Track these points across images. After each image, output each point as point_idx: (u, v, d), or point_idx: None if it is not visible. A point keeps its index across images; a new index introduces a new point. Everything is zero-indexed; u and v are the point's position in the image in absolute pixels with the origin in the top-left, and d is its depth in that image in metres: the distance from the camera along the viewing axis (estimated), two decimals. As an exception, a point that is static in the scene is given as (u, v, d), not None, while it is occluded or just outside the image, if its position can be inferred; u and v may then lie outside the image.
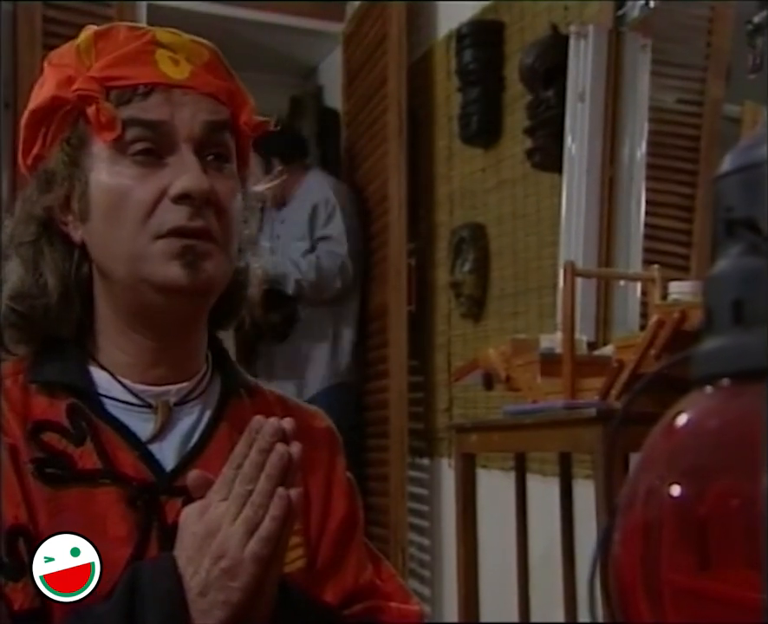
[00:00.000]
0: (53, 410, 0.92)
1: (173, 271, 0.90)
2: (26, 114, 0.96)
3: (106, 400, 0.94)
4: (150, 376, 0.96)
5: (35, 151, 0.96)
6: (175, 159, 0.92)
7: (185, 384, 0.97)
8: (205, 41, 0.98)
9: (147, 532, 0.89)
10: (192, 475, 0.85)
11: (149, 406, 0.95)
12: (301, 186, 3.59)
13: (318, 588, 0.97)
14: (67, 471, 0.89)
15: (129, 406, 0.95)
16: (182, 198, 0.90)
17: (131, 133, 0.91)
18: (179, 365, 0.98)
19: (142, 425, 0.94)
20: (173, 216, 0.90)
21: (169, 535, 0.86)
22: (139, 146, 0.91)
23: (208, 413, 0.98)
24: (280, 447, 0.81)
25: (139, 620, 0.79)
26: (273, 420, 0.83)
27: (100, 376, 0.96)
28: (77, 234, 0.95)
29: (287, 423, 0.83)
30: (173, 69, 0.93)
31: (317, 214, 3.50)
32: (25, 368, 0.95)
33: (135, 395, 0.95)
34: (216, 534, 0.80)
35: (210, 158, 0.94)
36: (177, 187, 0.90)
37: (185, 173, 0.91)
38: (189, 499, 0.85)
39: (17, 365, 0.96)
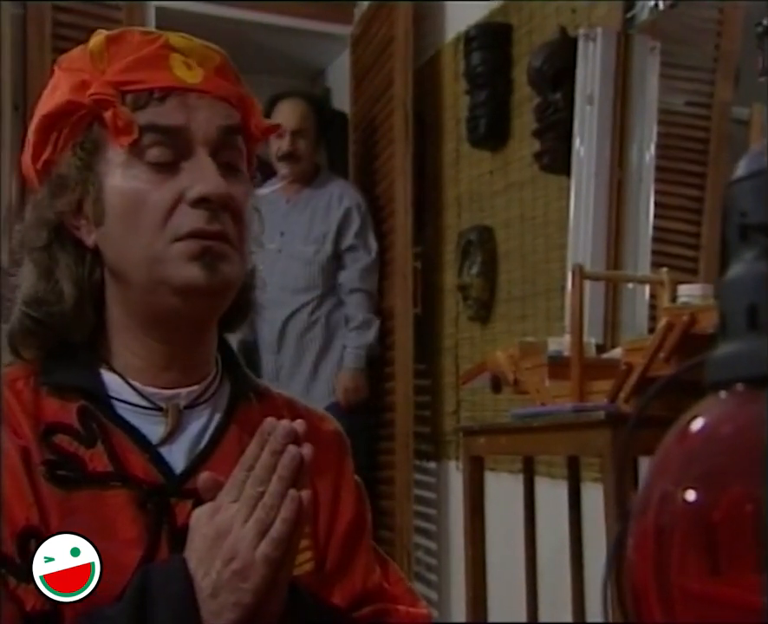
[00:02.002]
0: (64, 412, 0.93)
1: (193, 272, 0.90)
2: (37, 119, 0.96)
3: (116, 403, 0.95)
4: (161, 379, 0.96)
5: (45, 155, 0.95)
6: (191, 163, 0.92)
7: (194, 387, 0.98)
8: (215, 46, 0.99)
9: (158, 534, 0.89)
10: (203, 477, 0.85)
11: (159, 409, 0.95)
12: (310, 184, 3.51)
13: (326, 590, 0.97)
14: (78, 474, 0.89)
15: (139, 409, 0.95)
16: (200, 202, 0.91)
17: (147, 138, 0.91)
18: (190, 368, 0.98)
19: (152, 428, 0.94)
20: (191, 219, 0.91)
21: (179, 537, 0.86)
22: (155, 151, 0.92)
23: (217, 416, 0.99)
24: (292, 449, 0.81)
25: (150, 623, 0.79)
26: (285, 422, 0.83)
27: (110, 379, 0.96)
28: (90, 238, 0.95)
29: (299, 425, 0.83)
30: (187, 73, 0.93)
31: (350, 219, 3.42)
32: (36, 371, 0.95)
33: (146, 398, 0.95)
34: (227, 535, 0.80)
35: (223, 161, 0.94)
36: (195, 191, 0.91)
37: (202, 178, 0.91)
38: (199, 501, 0.85)
39: (28, 367, 0.96)
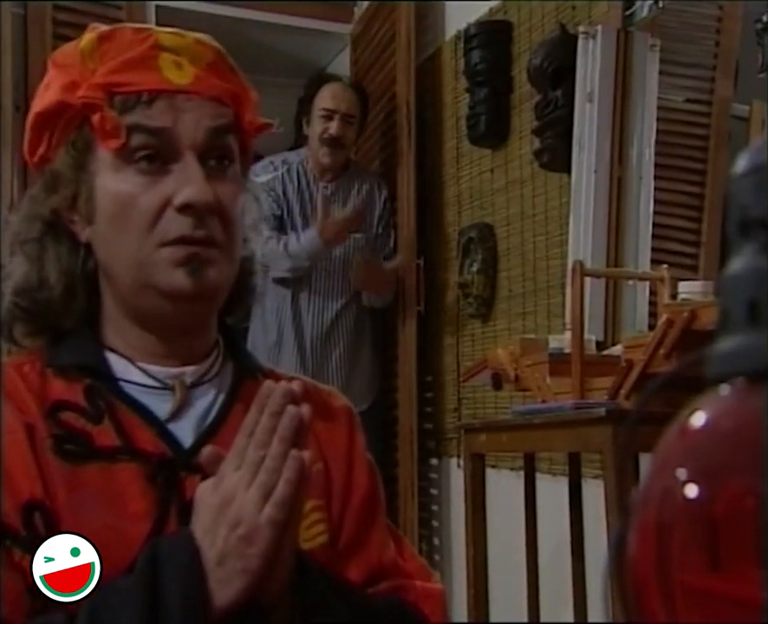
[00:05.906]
0: (70, 392, 0.93)
1: (178, 278, 0.91)
2: (31, 116, 0.97)
3: (123, 383, 0.96)
4: (163, 362, 0.98)
5: (40, 151, 0.97)
6: (179, 167, 0.92)
7: (197, 366, 0.99)
8: (208, 40, 0.98)
9: (167, 508, 0.89)
10: (206, 451, 0.85)
11: (166, 387, 0.96)
12: (345, 172, 3.32)
13: (342, 565, 0.97)
14: (85, 448, 0.90)
15: (146, 388, 0.96)
16: (186, 209, 0.91)
17: (135, 140, 0.92)
18: (189, 353, 0.99)
19: (159, 406, 0.95)
20: (178, 225, 0.91)
21: (188, 511, 0.85)
22: (142, 153, 0.92)
23: (224, 394, 0.99)
24: (291, 409, 0.81)
25: (160, 595, 0.79)
26: (283, 384, 0.83)
27: (115, 360, 0.97)
28: (83, 234, 0.97)
29: (296, 385, 0.83)
30: (177, 74, 0.93)
31: (386, 210, 3.35)
32: (42, 356, 0.97)
33: (152, 377, 0.96)
34: (231, 503, 0.80)
35: (212, 162, 0.94)
36: (181, 198, 0.91)
37: (188, 183, 0.91)
38: (207, 476, 0.85)
39: (34, 353, 0.98)
